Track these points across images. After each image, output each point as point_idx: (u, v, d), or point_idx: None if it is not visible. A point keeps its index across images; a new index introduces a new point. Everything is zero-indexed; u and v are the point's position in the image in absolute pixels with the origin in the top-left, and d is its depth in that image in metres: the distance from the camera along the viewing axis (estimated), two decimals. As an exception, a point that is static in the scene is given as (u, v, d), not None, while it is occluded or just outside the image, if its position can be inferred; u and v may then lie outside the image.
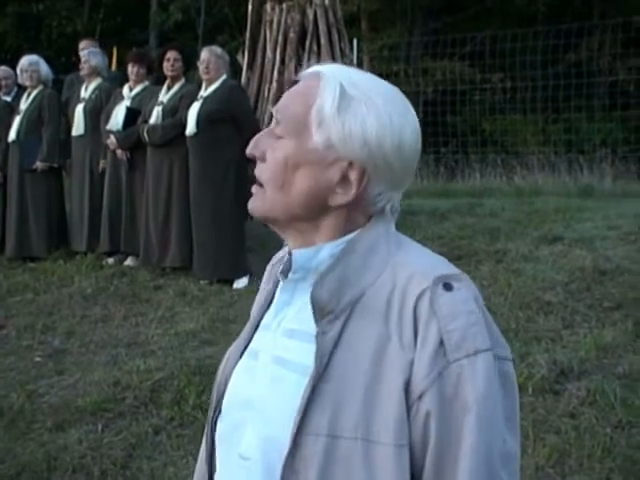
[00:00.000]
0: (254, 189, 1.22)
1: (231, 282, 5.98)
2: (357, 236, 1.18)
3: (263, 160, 1.19)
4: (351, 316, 1.14)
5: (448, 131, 12.90)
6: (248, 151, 1.21)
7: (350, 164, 1.15)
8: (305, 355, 1.14)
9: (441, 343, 1.07)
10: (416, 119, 1.20)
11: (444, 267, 1.16)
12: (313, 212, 1.18)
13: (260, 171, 1.20)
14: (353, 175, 1.15)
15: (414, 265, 1.15)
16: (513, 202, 7.78)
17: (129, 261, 6.68)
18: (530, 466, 3.25)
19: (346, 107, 1.14)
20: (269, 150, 1.18)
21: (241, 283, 5.93)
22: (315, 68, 1.21)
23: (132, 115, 6.53)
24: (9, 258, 7.08)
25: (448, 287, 1.11)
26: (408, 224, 6.78)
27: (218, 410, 1.28)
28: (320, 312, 1.14)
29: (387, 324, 1.11)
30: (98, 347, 4.99)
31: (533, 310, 4.76)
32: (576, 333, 4.42)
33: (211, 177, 5.94)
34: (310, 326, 1.15)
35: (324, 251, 1.18)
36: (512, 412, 1.12)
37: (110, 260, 6.75)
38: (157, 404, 4.08)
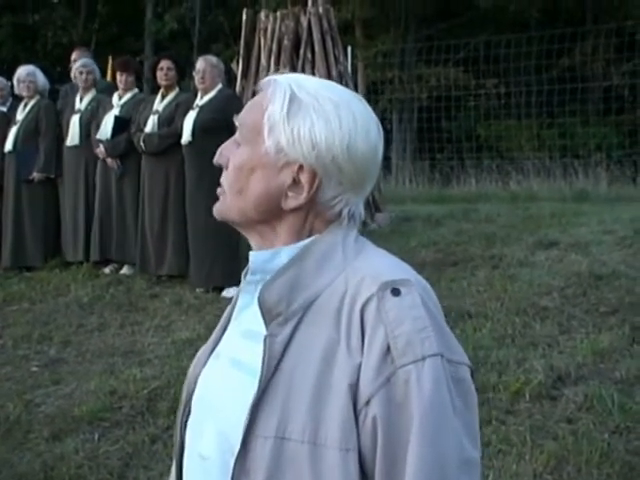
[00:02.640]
0: (219, 193, 1.26)
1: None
2: (313, 241, 1.20)
3: (226, 167, 1.24)
4: (303, 319, 1.15)
5: (443, 137, 12.94)
6: (215, 160, 1.26)
7: (300, 167, 1.17)
8: (257, 357, 1.15)
9: (388, 349, 1.07)
10: (373, 124, 1.23)
11: (396, 272, 1.16)
12: (268, 215, 1.21)
13: (223, 178, 1.25)
14: (304, 178, 1.18)
15: (366, 270, 1.16)
16: (508, 207, 7.79)
17: (125, 270, 6.67)
18: (528, 473, 3.25)
19: (295, 112, 1.17)
20: (231, 157, 1.23)
21: (231, 292, 5.92)
22: (270, 77, 1.25)
23: (120, 123, 6.53)
24: (5, 267, 7.07)
25: (396, 292, 1.11)
26: (403, 230, 6.78)
27: (187, 410, 1.30)
28: (269, 314, 1.16)
29: (337, 328, 1.12)
30: (94, 356, 4.98)
31: (529, 316, 4.75)
32: (573, 338, 4.42)
33: (206, 185, 5.92)
34: (264, 328, 1.17)
35: (283, 254, 1.20)
36: (470, 419, 1.11)
37: (106, 269, 6.74)
38: (153, 413, 4.07)
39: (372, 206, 7.24)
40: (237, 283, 5.15)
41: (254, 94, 1.29)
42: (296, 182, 1.18)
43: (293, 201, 1.18)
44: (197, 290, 6.06)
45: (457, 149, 12.86)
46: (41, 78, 7.21)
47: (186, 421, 1.30)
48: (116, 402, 4.20)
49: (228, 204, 1.23)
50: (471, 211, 7.64)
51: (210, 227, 5.94)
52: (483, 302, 5.00)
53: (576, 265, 5.49)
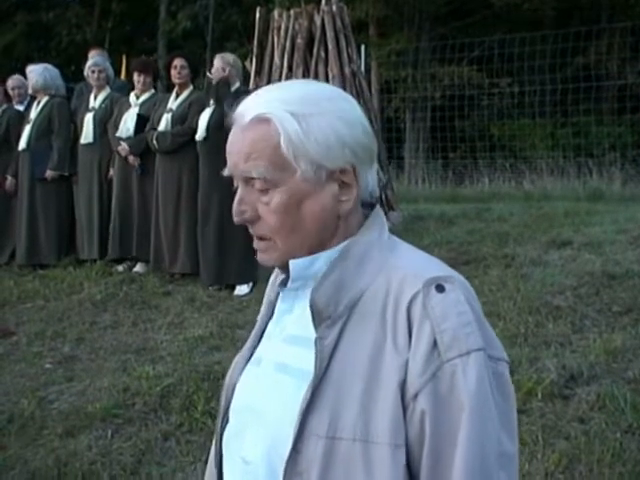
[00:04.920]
0: (261, 245, 1.23)
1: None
2: (351, 242, 1.21)
3: (257, 219, 1.21)
4: (348, 320, 1.17)
5: (456, 136, 12.90)
6: (237, 221, 1.22)
7: (341, 171, 1.18)
8: (305, 361, 1.17)
9: (435, 343, 1.10)
10: (355, 100, 1.25)
11: (436, 269, 1.19)
12: (328, 230, 1.21)
13: (259, 229, 1.21)
14: (348, 178, 1.19)
15: (407, 268, 1.18)
16: (522, 207, 7.77)
17: (138, 268, 6.70)
18: (540, 472, 3.24)
19: (307, 127, 1.16)
20: (260, 207, 1.20)
21: (242, 290, 5.93)
22: (252, 113, 1.18)
23: (143, 121, 6.57)
24: (19, 265, 7.12)
25: (440, 289, 1.13)
26: (416, 229, 6.78)
27: (226, 417, 1.31)
28: (318, 317, 1.17)
29: (382, 327, 1.14)
30: (107, 353, 5.01)
31: (542, 315, 4.74)
32: (585, 338, 4.41)
33: (220, 182, 5.94)
34: (309, 332, 1.18)
35: (321, 259, 1.21)
36: (508, 413, 1.14)
37: (119, 267, 6.77)
38: (166, 410, 4.09)
39: (385, 205, 7.25)
40: (249, 281, 5.17)
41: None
42: (342, 185, 1.19)
43: (348, 203, 1.20)
44: (210, 288, 6.08)
45: (470, 148, 12.83)
46: (39, 76, 7.11)
47: (225, 426, 1.31)
48: (129, 399, 4.22)
49: (284, 247, 1.21)
50: (484, 210, 7.62)
51: (223, 225, 5.96)
52: (496, 301, 4.98)
53: (589, 264, 5.47)
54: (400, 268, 1.18)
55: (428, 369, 1.09)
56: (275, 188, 1.17)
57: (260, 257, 1.25)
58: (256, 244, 1.24)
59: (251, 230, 1.23)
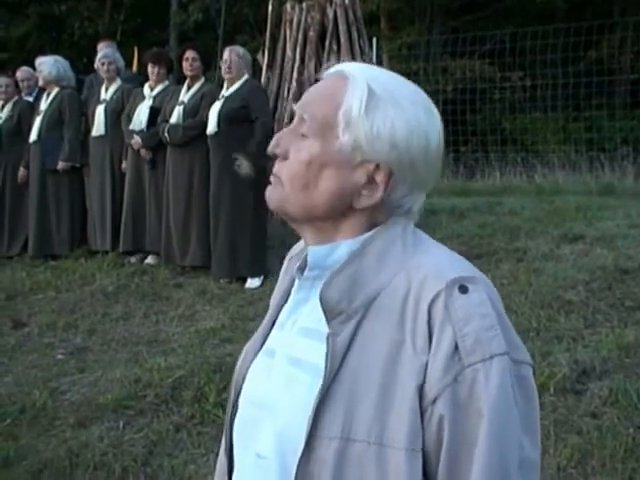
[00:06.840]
0: (272, 180, 1.21)
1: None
2: (373, 235, 1.17)
3: (285, 158, 1.18)
4: (365, 317, 1.12)
5: (468, 130, 12.83)
6: (270, 149, 1.20)
7: (377, 166, 1.14)
8: (318, 355, 1.13)
9: (456, 347, 1.06)
10: (439, 119, 1.20)
11: (460, 268, 1.14)
12: (336, 213, 1.17)
13: (280, 169, 1.19)
14: (379, 177, 1.14)
15: (429, 266, 1.13)
16: (533, 201, 7.73)
17: (150, 259, 6.71)
18: (552, 466, 3.24)
19: (374, 108, 1.13)
20: (292, 149, 1.17)
21: (254, 283, 5.93)
22: (341, 67, 1.19)
23: (156, 114, 6.58)
24: (31, 256, 7.14)
25: (463, 290, 1.09)
26: (428, 223, 6.75)
27: (236, 406, 1.28)
28: (330, 312, 1.13)
29: (401, 327, 1.10)
30: (119, 345, 5.03)
31: (554, 309, 4.73)
32: (598, 332, 4.39)
33: (231, 176, 5.95)
34: (323, 326, 1.14)
35: (341, 249, 1.17)
36: (531, 418, 1.10)
37: (132, 258, 6.79)
38: (178, 402, 4.10)
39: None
40: (261, 274, 5.18)
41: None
42: (371, 181, 1.14)
43: (366, 200, 1.15)
44: (221, 280, 6.09)
45: (482, 142, 12.77)
46: (52, 68, 7.11)
47: (234, 416, 1.28)
48: (140, 390, 4.23)
49: (288, 197, 1.17)
50: (495, 204, 7.59)
51: (234, 217, 5.97)
52: (507, 295, 4.96)
53: (601, 259, 5.44)
54: (422, 266, 1.13)
55: (448, 373, 1.05)
56: (313, 139, 1.15)
57: (267, 191, 1.21)
58: (271, 178, 1.21)
59: (275, 167, 1.21)
